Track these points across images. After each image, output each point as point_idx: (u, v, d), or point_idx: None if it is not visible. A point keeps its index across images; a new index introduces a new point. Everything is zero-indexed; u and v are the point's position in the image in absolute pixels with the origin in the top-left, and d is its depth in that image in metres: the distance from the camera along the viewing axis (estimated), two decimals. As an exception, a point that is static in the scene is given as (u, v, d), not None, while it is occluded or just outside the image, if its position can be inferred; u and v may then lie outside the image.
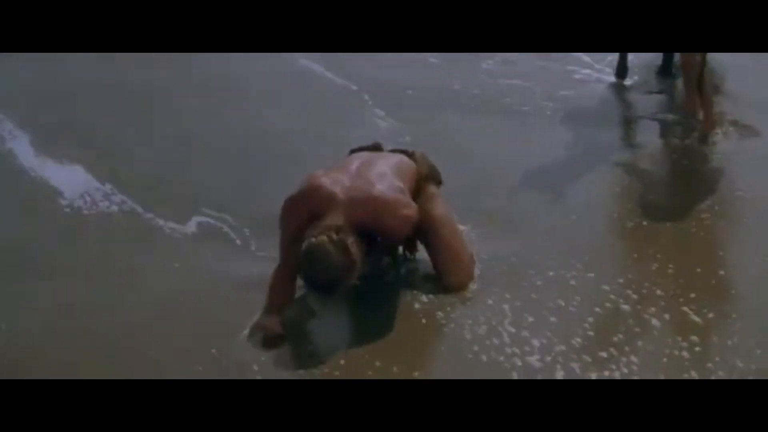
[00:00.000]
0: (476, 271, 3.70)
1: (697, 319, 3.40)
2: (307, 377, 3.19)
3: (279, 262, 3.48)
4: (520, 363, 3.21)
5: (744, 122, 4.92)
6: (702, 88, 4.80)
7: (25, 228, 4.22)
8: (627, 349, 3.26)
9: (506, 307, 3.52)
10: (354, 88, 5.55)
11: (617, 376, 3.12)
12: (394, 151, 3.79)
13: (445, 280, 3.63)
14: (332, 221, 3.23)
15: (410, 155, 3.74)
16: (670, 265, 3.74)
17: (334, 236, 3.16)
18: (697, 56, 4.73)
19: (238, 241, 4.02)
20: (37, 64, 5.79)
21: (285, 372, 3.26)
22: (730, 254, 3.88)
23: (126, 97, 5.59)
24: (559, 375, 3.14)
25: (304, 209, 3.34)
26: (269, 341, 3.36)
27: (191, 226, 4.17)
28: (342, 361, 3.26)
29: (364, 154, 3.70)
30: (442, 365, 3.29)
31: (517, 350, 3.28)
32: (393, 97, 5.38)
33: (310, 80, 5.72)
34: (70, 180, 4.62)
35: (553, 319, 3.44)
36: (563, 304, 3.52)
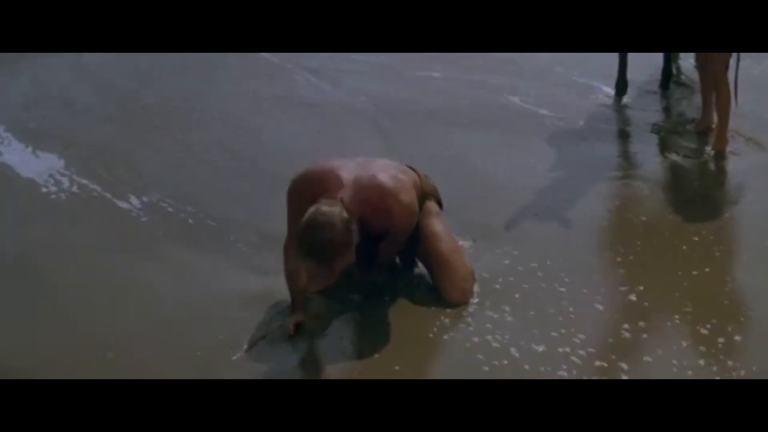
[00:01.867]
0: (476, 287, 3.69)
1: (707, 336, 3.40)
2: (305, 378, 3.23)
3: (285, 249, 3.51)
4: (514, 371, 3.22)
5: (746, 136, 4.93)
6: (721, 100, 4.77)
7: (21, 230, 4.23)
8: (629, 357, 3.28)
9: (505, 322, 3.52)
10: (353, 102, 5.55)
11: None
12: None
13: (445, 297, 3.62)
14: (346, 202, 3.24)
15: (413, 169, 3.73)
16: (670, 277, 3.76)
17: (344, 214, 3.16)
18: (718, 62, 4.71)
19: (237, 254, 4.01)
20: (32, 70, 5.80)
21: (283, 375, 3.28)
22: (729, 267, 3.89)
23: (124, 106, 5.59)
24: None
25: (309, 192, 3.34)
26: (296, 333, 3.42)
27: (190, 237, 4.17)
28: (336, 367, 3.30)
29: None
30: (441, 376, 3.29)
31: (515, 362, 3.28)
32: (390, 112, 5.38)
33: (309, 96, 5.70)
34: (64, 185, 4.64)
35: (553, 333, 3.44)
36: (561, 318, 3.51)
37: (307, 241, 3.15)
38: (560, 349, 3.34)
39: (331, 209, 3.15)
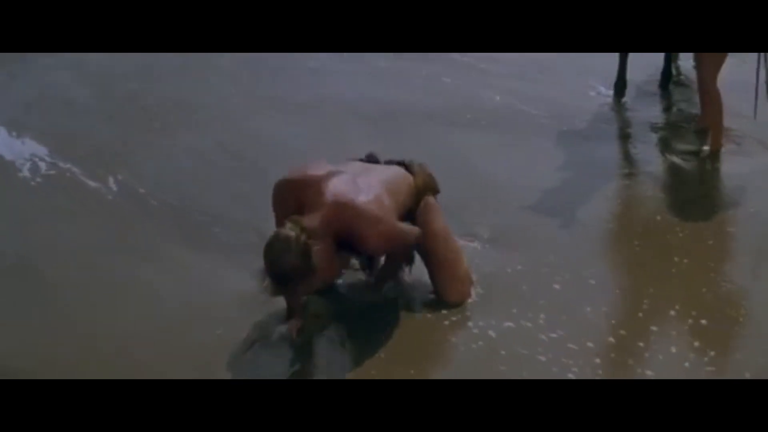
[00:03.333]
0: (474, 287, 3.69)
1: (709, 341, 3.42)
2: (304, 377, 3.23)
3: None
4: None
5: (752, 137, 4.93)
6: (714, 103, 4.77)
7: (21, 231, 4.21)
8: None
9: (504, 324, 3.52)
10: (352, 103, 5.53)
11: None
12: (390, 162, 3.72)
13: (443, 297, 3.62)
14: (309, 222, 3.19)
15: (407, 167, 3.68)
16: (672, 278, 3.78)
17: (302, 237, 3.12)
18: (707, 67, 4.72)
19: (237, 254, 4.00)
20: (32, 70, 5.79)
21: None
22: (728, 268, 3.90)
23: (124, 106, 5.58)
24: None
25: (292, 197, 3.33)
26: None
27: (190, 237, 4.16)
28: (335, 365, 3.31)
29: (360, 164, 3.64)
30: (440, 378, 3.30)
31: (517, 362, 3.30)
32: (390, 112, 5.36)
33: (309, 97, 5.67)
34: (63, 184, 4.64)
35: (553, 335, 3.45)
36: (563, 317, 3.52)
37: (265, 265, 3.17)
38: (560, 351, 3.36)
39: (289, 235, 3.12)
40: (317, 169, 3.41)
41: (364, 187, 3.37)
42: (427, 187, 3.68)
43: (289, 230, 3.13)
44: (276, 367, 3.32)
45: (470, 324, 3.53)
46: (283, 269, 3.12)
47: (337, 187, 3.32)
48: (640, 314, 3.57)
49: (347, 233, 3.27)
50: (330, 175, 3.37)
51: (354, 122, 5.28)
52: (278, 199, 3.44)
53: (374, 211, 3.31)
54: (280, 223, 3.37)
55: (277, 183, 3.45)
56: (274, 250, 3.12)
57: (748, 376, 3.21)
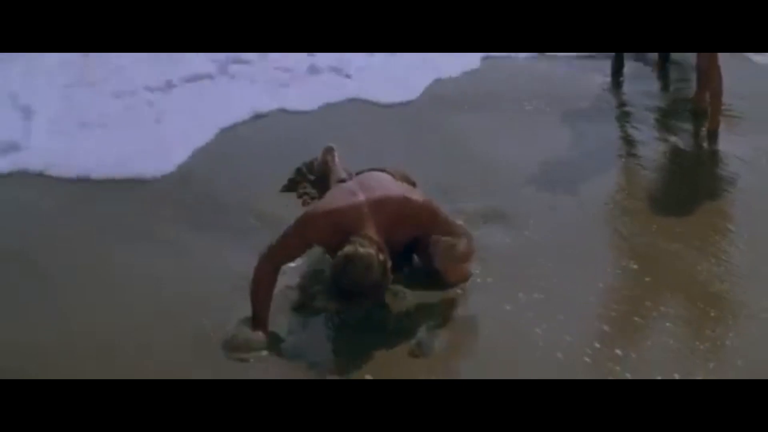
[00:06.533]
0: (476, 267, 3.70)
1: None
2: (317, 377, 3.19)
3: (266, 255, 3.43)
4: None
5: (743, 116, 4.95)
6: (713, 85, 4.78)
7: (19, 224, 4.20)
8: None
9: (501, 300, 3.56)
10: (353, 86, 5.51)
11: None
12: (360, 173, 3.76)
13: (443, 277, 3.61)
14: (375, 236, 3.27)
15: (384, 171, 3.73)
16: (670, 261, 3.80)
17: (381, 256, 3.22)
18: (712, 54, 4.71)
19: (237, 237, 4.00)
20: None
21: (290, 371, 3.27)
22: (724, 245, 3.93)
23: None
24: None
25: (329, 223, 3.36)
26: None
27: (190, 221, 4.16)
28: (338, 363, 3.30)
29: (351, 182, 3.66)
30: (447, 361, 3.34)
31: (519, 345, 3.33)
32: (394, 96, 5.34)
33: (311, 82, 5.64)
34: (62, 170, 4.62)
35: (560, 316, 3.47)
36: (551, 300, 3.55)
37: (342, 284, 3.23)
38: (546, 332, 3.39)
39: (369, 252, 3.20)
40: (341, 197, 3.47)
41: (378, 184, 3.50)
42: (407, 183, 3.75)
43: (365, 247, 3.20)
44: (274, 362, 3.30)
45: (470, 303, 3.56)
46: (365, 286, 3.22)
47: (365, 196, 3.39)
48: (639, 290, 3.61)
49: (400, 226, 3.37)
50: (351, 194, 3.44)
51: (355, 107, 5.27)
52: (311, 225, 3.41)
53: (407, 190, 3.49)
54: (292, 245, 3.43)
55: (313, 215, 3.45)
56: (356, 268, 3.18)
57: (711, 311, 3.42)
